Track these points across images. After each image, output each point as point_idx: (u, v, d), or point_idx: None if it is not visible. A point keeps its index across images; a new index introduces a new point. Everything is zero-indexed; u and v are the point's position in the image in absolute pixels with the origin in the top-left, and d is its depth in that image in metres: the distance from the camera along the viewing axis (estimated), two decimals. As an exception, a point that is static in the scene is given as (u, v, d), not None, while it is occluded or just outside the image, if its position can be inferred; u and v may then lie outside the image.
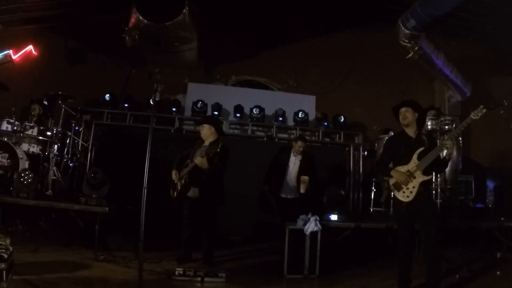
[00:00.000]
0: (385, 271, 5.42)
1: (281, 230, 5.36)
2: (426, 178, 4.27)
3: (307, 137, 9.06)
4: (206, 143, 5.41)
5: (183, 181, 5.29)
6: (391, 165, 4.57)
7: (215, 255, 5.56)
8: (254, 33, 9.81)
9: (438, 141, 6.53)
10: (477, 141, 10.03)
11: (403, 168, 4.35)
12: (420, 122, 4.64)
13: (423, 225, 4.41)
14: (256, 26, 9.75)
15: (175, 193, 5.38)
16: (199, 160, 5.11)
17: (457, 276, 5.22)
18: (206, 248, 5.44)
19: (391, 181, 4.42)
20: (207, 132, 5.45)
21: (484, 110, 4.20)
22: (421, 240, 5.69)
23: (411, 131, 4.52)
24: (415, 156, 4.33)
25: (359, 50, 10.30)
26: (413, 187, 4.24)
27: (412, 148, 4.39)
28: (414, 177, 4.26)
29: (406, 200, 4.27)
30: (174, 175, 5.38)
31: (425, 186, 4.30)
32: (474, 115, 4.24)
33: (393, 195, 4.45)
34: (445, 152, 4.34)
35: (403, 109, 4.54)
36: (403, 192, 4.28)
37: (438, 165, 4.38)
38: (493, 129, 9.86)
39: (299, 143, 6.32)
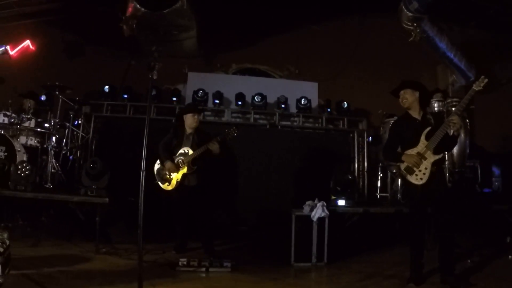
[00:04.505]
0: (395, 257, 5.33)
1: (288, 217, 5.21)
2: (437, 157, 4.11)
3: (310, 124, 9.01)
4: (191, 131, 5.35)
5: (185, 169, 5.16)
6: (399, 149, 4.41)
7: (220, 244, 5.42)
8: (254, 21, 9.62)
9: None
10: (481, 127, 9.87)
11: (412, 151, 4.19)
12: (424, 102, 4.48)
13: (436, 209, 4.25)
14: (256, 13, 9.58)
15: (174, 183, 5.23)
16: (213, 145, 5.08)
17: (469, 260, 5.11)
18: (205, 236, 5.33)
19: (402, 166, 4.24)
20: (198, 121, 5.40)
21: (486, 80, 4.08)
22: (432, 225, 5.58)
23: (415, 113, 4.36)
24: (422, 137, 4.17)
25: (361, 36, 10.13)
26: (426, 168, 4.08)
27: (418, 130, 4.23)
28: (425, 158, 4.09)
29: (420, 182, 4.10)
30: (171, 166, 5.20)
31: (437, 166, 4.15)
32: (477, 86, 4.10)
33: (406, 180, 4.27)
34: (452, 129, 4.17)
35: (401, 92, 4.38)
36: (416, 175, 4.12)
37: (447, 142, 4.19)
38: (496, 114, 9.77)
39: None
